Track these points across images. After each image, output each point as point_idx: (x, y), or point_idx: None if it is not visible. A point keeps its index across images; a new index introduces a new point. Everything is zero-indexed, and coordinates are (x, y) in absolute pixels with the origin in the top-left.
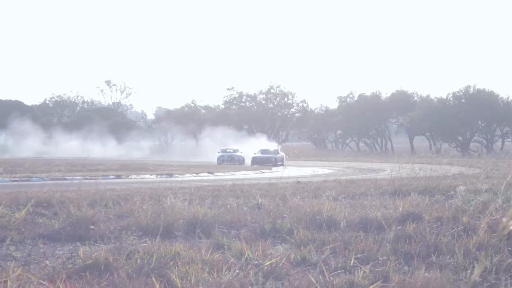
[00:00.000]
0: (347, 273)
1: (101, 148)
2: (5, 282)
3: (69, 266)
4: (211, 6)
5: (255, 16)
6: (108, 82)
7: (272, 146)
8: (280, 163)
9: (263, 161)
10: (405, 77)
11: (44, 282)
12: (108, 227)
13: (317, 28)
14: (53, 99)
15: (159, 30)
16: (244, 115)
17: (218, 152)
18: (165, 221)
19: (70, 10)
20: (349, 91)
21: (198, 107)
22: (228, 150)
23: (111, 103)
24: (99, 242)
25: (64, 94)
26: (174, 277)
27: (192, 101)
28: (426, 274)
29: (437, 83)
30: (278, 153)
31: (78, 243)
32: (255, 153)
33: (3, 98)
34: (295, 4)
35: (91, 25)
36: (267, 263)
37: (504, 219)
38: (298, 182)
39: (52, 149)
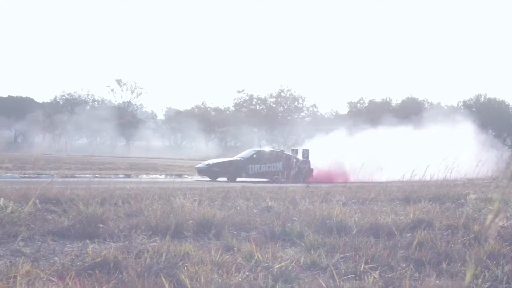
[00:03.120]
0: (357, 278)
1: (111, 147)
2: (15, 277)
3: (78, 263)
4: (222, 7)
5: (266, 19)
6: (118, 81)
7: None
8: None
9: (201, 171)
10: (416, 84)
11: (53, 279)
12: (117, 225)
13: (329, 32)
14: (63, 97)
15: (170, 31)
16: (254, 118)
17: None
18: (175, 221)
19: (83, 8)
20: (359, 96)
21: (208, 109)
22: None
23: (121, 103)
24: (108, 240)
25: (74, 92)
26: (183, 277)
27: (202, 103)
28: (437, 281)
29: (448, 91)
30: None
31: (87, 241)
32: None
33: (14, 94)
34: (307, 8)
35: (103, 24)
36: (277, 266)
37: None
38: (308, 186)
39: (62, 146)
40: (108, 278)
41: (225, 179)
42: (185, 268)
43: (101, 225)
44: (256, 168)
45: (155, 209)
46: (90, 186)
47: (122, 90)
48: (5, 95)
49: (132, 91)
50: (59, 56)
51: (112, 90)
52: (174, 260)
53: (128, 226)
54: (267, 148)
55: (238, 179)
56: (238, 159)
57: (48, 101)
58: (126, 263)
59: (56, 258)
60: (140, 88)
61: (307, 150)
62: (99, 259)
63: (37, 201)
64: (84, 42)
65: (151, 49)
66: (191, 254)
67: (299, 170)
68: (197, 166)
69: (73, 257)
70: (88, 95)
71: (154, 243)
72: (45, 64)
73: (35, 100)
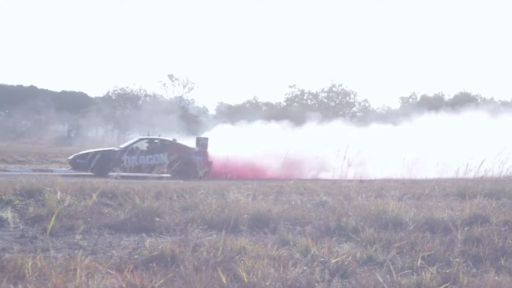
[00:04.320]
0: (414, 273)
1: None
2: (75, 270)
3: (135, 256)
4: (274, 2)
5: (318, 13)
6: (170, 76)
7: None
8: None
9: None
10: (469, 78)
11: (112, 272)
12: (173, 219)
13: (380, 26)
14: (116, 92)
15: (223, 26)
16: (306, 113)
17: None
18: (230, 216)
19: (136, 3)
20: (411, 91)
21: (260, 104)
22: None
23: (173, 97)
24: (164, 234)
25: (127, 87)
26: (240, 271)
27: (254, 98)
28: (496, 277)
29: (502, 86)
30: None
31: (143, 234)
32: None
33: (68, 89)
34: (358, 2)
35: (156, 19)
36: (333, 261)
37: None
38: (361, 181)
39: (115, 141)
40: (166, 271)
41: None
42: (242, 262)
43: (157, 219)
44: (133, 161)
45: (209, 203)
46: (144, 180)
47: (174, 85)
48: (59, 90)
49: (184, 86)
50: (112, 51)
51: (164, 85)
52: (230, 254)
53: (183, 220)
54: (156, 137)
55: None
56: (110, 149)
57: (101, 95)
58: (183, 257)
59: (113, 252)
60: (192, 83)
61: (205, 139)
62: (156, 252)
63: (93, 194)
64: (137, 37)
65: (203, 44)
66: (247, 248)
67: (189, 162)
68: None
69: (130, 250)
70: (140, 89)
71: (210, 237)
72: (98, 59)
73: (88, 95)
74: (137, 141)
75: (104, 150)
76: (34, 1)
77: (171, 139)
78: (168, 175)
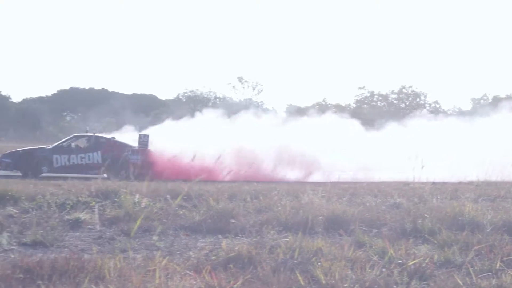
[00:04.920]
0: (494, 276)
1: None
2: (154, 271)
3: (212, 258)
4: (343, 4)
5: (387, 14)
6: (240, 79)
7: None
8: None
9: None
10: None
11: (190, 273)
12: (248, 221)
13: (451, 27)
14: (186, 94)
15: (291, 28)
16: (375, 114)
17: None
18: (304, 217)
19: (204, 7)
20: (483, 92)
21: (329, 106)
22: None
23: (242, 100)
24: (240, 235)
25: (197, 89)
26: (318, 272)
27: (323, 100)
28: None
29: None
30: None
31: (219, 236)
32: None
33: (138, 92)
34: (429, 3)
35: (226, 22)
36: (411, 263)
37: None
38: (433, 183)
39: None
40: (243, 272)
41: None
42: (319, 264)
43: (232, 220)
44: (64, 160)
45: (284, 205)
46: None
47: (243, 87)
48: (129, 92)
49: (253, 88)
50: (182, 54)
51: (233, 87)
52: (307, 256)
53: (258, 222)
54: (90, 134)
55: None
56: (40, 147)
57: (172, 98)
58: (259, 258)
59: (190, 253)
60: (261, 85)
61: (146, 136)
62: (233, 254)
63: (168, 196)
64: (208, 39)
65: (273, 46)
66: (324, 250)
67: (124, 162)
68: None
69: (207, 251)
70: (210, 92)
71: (285, 239)
72: (169, 62)
73: (159, 97)
74: (71, 139)
75: (33, 149)
76: (101, 5)
77: (109, 137)
78: (104, 175)
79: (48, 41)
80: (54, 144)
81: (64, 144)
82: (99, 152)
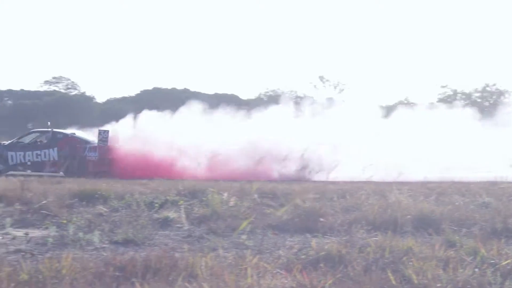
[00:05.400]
0: None
1: None
2: (245, 269)
3: (302, 256)
4: (425, 3)
5: (469, 12)
6: (321, 78)
7: None
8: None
9: None
10: None
11: (280, 271)
12: (335, 220)
13: None
14: (267, 93)
15: (373, 27)
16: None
17: None
18: (392, 216)
19: (284, 7)
20: None
21: (411, 104)
22: None
23: (324, 98)
24: (328, 234)
25: (278, 89)
26: (409, 272)
27: (405, 98)
28: None
29: None
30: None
31: (307, 235)
32: None
33: (220, 92)
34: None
35: (306, 21)
36: (504, 263)
37: None
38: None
39: None
40: (333, 271)
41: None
42: (410, 263)
43: (321, 219)
44: (19, 157)
45: (371, 204)
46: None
47: (324, 87)
48: (211, 92)
49: (335, 87)
50: (263, 54)
51: (315, 86)
52: (397, 255)
53: (346, 221)
54: (48, 129)
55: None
56: None
57: (253, 98)
58: (349, 257)
59: (280, 252)
60: (343, 84)
61: (106, 132)
62: (322, 252)
63: (256, 195)
64: (287, 38)
65: (354, 45)
66: (414, 249)
67: (80, 159)
68: None
69: (296, 250)
70: (290, 91)
71: (375, 238)
72: (250, 62)
73: (240, 97)
74: (28, 135)
75: None
76: (181, 7)
77: (68, 132)
78: (61, 173)
79: (133, 42)
80: (10, 141)
81: (20, 140)
82: (55, 149)
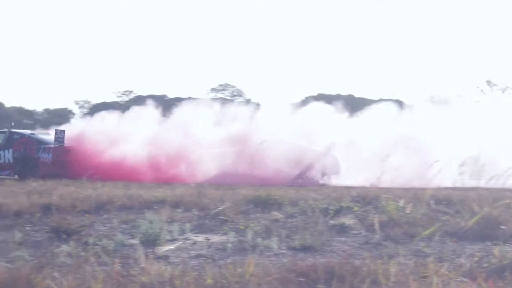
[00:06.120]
0: None
1: None
2: (427, 277)
3: (485, 265)
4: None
5: None
6: (488, 82)
7: None
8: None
9: None
10: None
11: (465, 280)
12: None
13: None
14: (432, 98)
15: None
16: None
17: None
18: None
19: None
20: None
21: None
22: None
23: (491, 103)
24: (510, 242)
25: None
26: None
27: None
28: None
29: None
30: None
31: (487, 242)
32: None
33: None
34: None
35: (470, 25)
36: None
37: None
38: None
39: None
40: None
41: None
42: None
43: (502, 227)
44: None
45: None
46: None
47: (491, 91)
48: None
49: (503, 91)
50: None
51: (481, 91)
52: None
53: None
54: (5, 130)
55: None
56: None
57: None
58: None
59: (461, 259)
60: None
61: (62, 131)
62: (506, 261)
63: (432, 202)
64: (448, 45)
65: None
66: None
67: (35, 161)
68: None
69: (478, 258)
70: (458, 96)
71: None
72: (416, 66)
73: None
74: None
75: None
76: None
77: (26, 133)
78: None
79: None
80: None
81: None
82: (10, 150)
